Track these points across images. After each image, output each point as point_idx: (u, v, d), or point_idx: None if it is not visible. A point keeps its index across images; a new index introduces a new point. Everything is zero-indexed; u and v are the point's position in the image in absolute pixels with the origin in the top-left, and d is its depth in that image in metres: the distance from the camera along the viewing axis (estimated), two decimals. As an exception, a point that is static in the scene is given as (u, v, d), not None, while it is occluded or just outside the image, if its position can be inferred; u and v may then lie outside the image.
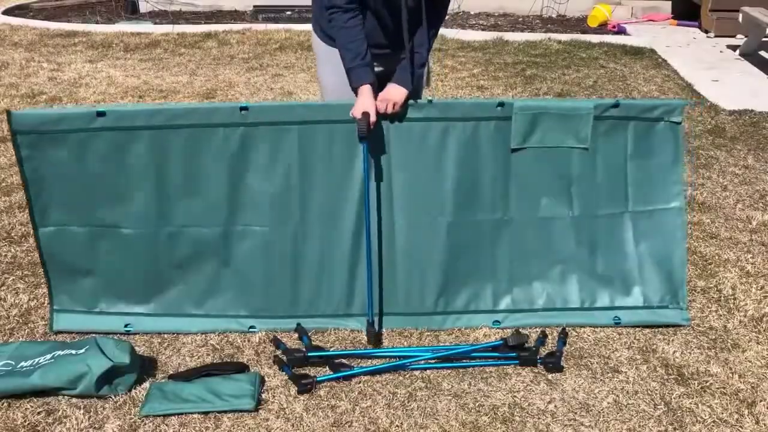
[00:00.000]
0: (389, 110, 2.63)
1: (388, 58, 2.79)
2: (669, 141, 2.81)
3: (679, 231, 2.90)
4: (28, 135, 2.53)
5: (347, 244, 2.79)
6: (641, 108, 2.77)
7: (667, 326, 2.85)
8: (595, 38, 7.58)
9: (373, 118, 2.58)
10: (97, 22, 8.27)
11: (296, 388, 2.47)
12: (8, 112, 2.47)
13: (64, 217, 2.68)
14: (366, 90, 2.62)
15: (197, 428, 2.32)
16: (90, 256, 2.74)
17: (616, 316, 2.87)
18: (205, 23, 8.25)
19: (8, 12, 8.77)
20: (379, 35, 2.74)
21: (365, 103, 2.60)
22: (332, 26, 2.67)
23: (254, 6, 9.01)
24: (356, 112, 2.59)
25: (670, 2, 8.89)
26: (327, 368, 2.58)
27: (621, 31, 8.04)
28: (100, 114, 2.53)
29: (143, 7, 8.95)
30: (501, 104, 2.70)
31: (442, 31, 7.51)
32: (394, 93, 2.65)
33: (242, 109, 2.61)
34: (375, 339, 2.70)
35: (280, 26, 7.90)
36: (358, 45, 2.62)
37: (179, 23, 8.23)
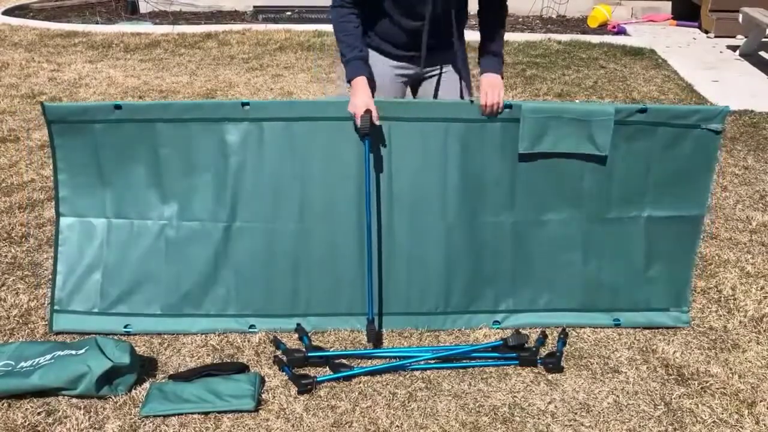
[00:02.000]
0: (494, 99, 2.60)
1: (417, 60, 2.76)
2: (703, 149, 2.69)
3: (694, 239, 2.84)
4: (60, 124, 2.69)
5: (347, 242, 2.79)
6: (672, 114, 2.67)
7: (668, 328, 2.85)
8: (595, 39, 7.59)
9: (375, 114, 2.57)
10: (97, 23, 8.28)
11: (296, 389, 2.47)
12: (42, 104, 2.66)
13: (84, 207, 2.78)
14: (362, 84, 2.60)
15: (197, 428, 2.32)
16: (98, 251, 2.79)
17: (616, 318, 2.86)
18: (205, 23, 8.25)
19: (8, 12, 8.78)
20: (399, 34, 2.71)
21: (364, 99, 2.58)
22: (332, 20, 2.68)
23: (254, 6, 9.01)
24: (356, 109, 2.57)
25: (670, 2, 8.90)
26: (327, 368, 2.58)
27: (621, 32, 8.05)
28: (117, 107, 2.65)
29: (143, 7, 8.95)
30: (508, 106, 2.65)
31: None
32: (494, 79, 2.65)
33: (243, 104, 2.66)
34: (375, 337, 2.70)
35: (280, 26, 7.90)
36: (354, 39, 2.63)
37: (179, 23, 8.24)
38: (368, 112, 2.56)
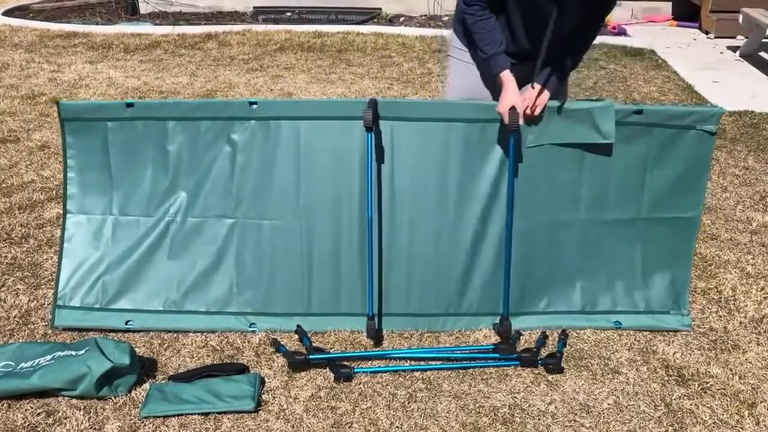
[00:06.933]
0: (530, 111, 2.62)
1: (516, 67, 2.71)
2: (698, 150, 2.73)
3: (690, 240, 2.86)
4: (73, 122, 2.74)
5: (350, 242, 2.79)
6: (668, 115, 2.70)
7: (668, 331, 2.85)
8: (595, 39, 7.57)
9: (521, 113, 2.57)
10: (97, 23, 8.27)
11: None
12: (57, 102, 2.75)
13: (91, 205, 2.81)
14: (509, 79, 2.61)
15: (197, 429, 2.32)
16: (103, 248, 2.81)
17: (617, 320, 2.86)
18: (205, 24, 8.25)
19: (8, 13, 8.77)
20: (510, 44, 2.69)
21: (511, 97, 2.59)
22: (469, 20, 2.66)
23: (254, 7, 9.01)
24: (503, 108, 2.59)
25: (670, 3, 8.89)
26: (328, 370, 2.58)
27: (621, 32, 8.04)
28: (129, 105, 2.70)
29: (143, 8, 8.94)
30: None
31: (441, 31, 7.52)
32: (540, 95, 2.65)
33: (251, 104, 2.70)
34: (375, 333, 2.70)
35: (280, 27, 7.90)
36: (495, 35, 2.62)
37: (179, 24, 8.23)
38: (513, 109, 2.56)
